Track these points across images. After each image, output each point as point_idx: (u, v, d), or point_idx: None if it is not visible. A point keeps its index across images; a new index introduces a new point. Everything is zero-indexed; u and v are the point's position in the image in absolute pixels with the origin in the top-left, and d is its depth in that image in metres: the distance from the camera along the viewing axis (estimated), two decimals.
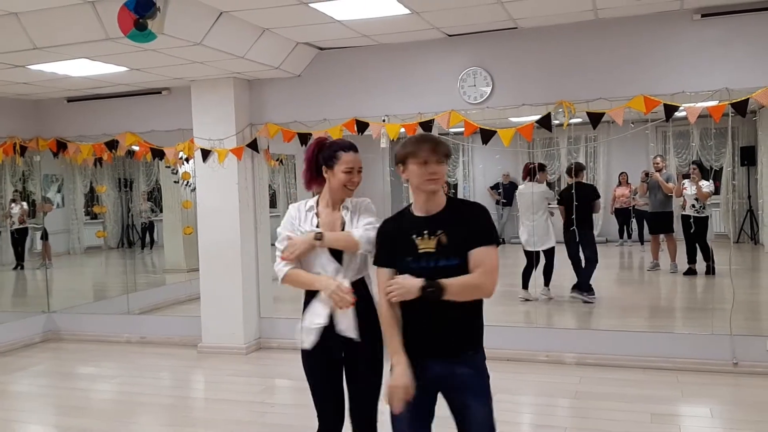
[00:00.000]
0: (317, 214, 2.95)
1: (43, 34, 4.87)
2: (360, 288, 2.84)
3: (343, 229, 2.87)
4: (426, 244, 2.54)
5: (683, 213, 9.18)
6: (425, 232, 2.55)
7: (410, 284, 2.47)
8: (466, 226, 2.54)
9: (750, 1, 5.11)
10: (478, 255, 2.50)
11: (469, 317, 2.58)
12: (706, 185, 8.96)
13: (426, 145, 2.52)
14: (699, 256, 8.99)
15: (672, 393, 4.99)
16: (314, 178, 2.98)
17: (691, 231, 8.63)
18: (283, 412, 5.01)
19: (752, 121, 10.48)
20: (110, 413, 5.11)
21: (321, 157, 2.92)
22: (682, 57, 5.37)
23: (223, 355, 6.53)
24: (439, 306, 2.49)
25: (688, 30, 5.35)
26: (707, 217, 9.11)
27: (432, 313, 2.52)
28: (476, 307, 2.60)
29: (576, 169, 7.87)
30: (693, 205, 8.95)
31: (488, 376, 2.63)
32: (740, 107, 5.17)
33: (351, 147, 2.91)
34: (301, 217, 2.96)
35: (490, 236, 2.54)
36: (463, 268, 2.50)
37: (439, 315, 2.52)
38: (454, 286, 2.45)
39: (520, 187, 8.27)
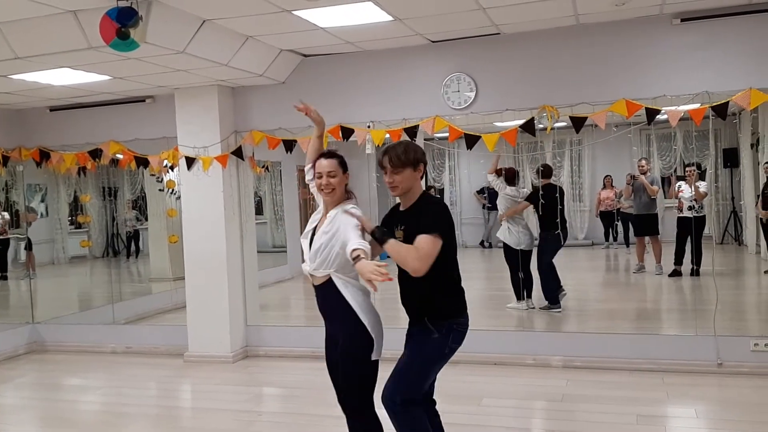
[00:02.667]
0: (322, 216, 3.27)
1: (25, 43, 4.84)
2: (329, 284, 3.15)
3: (315, 230, 3.22)
4: (399, 235, 3.08)
5: (680, 215, 9.23)
6: (398, 224, 3.12)
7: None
8: (418, 221, 3.00)
9: (729, 6, 5.18)
10: (417, 239, 2.94)
11: (428, 294, 3.05)
12: (704, 185, 9.06)
13: (385, 157, 3.05)
14: (685, 258, 9.06)
15: (657, 394, 5.03)
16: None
17: (690, 232, 8.67)
18: (270, 420, 4.99)
19: (734, 124, 10.61)
20: (96, 425, 5.07)
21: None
22: (663, 61, 5.42)
23: (209, 363, 6.50)
24: (410, 282, 3.01)
25: (668, 34, 5.41)
26: (705, 216, 9.21)
27: (406, 287, 3.10)
28: (435, 286, 3.04)
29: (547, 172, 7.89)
30: (691, 207, 9.01)
31: (434, 339, 3.04)
32: (721, 110, 5.23)
33: (326, 154, 3.23)
34: (314, 217, 3.33)
35: (431, 227, 2.94)
36: None
37: (409, 288, 3.09)
38: (391, 245, 2.96)
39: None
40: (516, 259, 7.54)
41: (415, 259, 2.88)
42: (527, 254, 7.72)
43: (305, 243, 3.25)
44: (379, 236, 2.99)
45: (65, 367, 6.83)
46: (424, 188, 3.22)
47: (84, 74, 5.67)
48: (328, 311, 3.23)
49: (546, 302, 7.59)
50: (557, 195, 7.27)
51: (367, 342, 3.11)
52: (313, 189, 3.31)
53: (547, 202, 7.32)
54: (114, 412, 5.33)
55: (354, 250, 2.89)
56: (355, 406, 3.21)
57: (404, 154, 3.02)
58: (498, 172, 7.99)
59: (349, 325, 3.12)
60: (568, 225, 7.98)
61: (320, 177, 3.17)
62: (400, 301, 3.23)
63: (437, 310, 3.08)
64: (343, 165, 3.22)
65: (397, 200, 3.30)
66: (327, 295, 3.18)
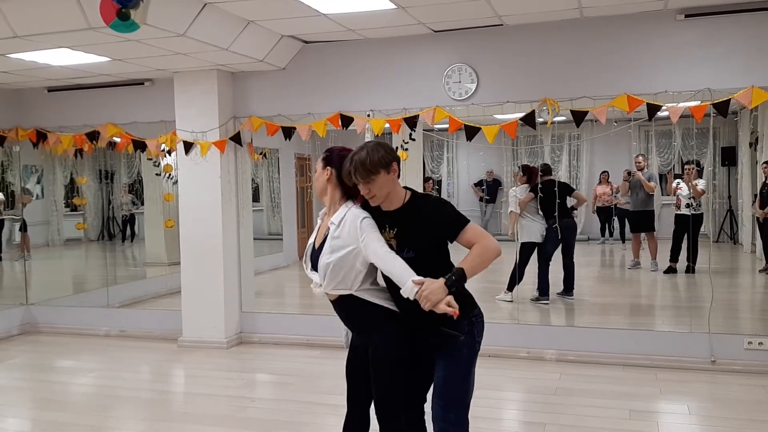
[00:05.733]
0: (322, 222, 2.96)
1: (24, 22, 4.79)
2: (350, 298, 2.82)
3: (324, 240, 2.82)
4: (386, 237, 2.77)
5: (678, 212, 9.25)
6: (386, 225, 2.79)
7: (436, 289, 2.56)
8: (421, 227, 2.74)
9: (733, 3, 5.15)
10: (464, 238, 2.72)
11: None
12: (702, 183, 9.06)
13: (350, 168, 2.69)
14: (681, 255, 9.07)
15: (650, 390, 5.04)
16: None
17: (687, 229, 8.69)
18: (263, 406, 4.99)
19: (734, 122, 10.59)
20: (89, 407, 5.06)
21: None
22: (666, 57, 5.40)
23: (203, 349, 6.49)
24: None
25: (671, 30, 5.39)
26: (702, 214, 9.22)
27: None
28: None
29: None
30: (689, 204, 9.01)
31: (462, 341, 2.75)
32: (722, 108, 5.21)
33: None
34: (317, 226, 3.00)
35: (461, 221, 2.73)
36: (419, 261, 2.69)
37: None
38: (468, 265, 2.65)
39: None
40: (529, 253, 7.72)
41: (490, 252, 2.68)
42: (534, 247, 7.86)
43: (306, 257, 2.92)
44: (456, 281, 2.61)
45: (58, 349, 6.82)
46: (404, 185, 2.88)
47: (83, 55, 5.63)
48: (357, 324, 2.89)
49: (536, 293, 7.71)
50: (555, 190, 7.31)
51: (399, 343, 2.80)
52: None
53: (547, 197, 7.41)
54: (107, 395, 5.32)
55: (415, 289, 2.58)
56: (389, 411, 2.85)
57: (368, 159, 2.65)
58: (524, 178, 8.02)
59: (382, 331, 2.80)
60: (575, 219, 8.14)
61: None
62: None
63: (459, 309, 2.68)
64: (327, 160, 2.85)
65: None
66: (350, 308, 2.84)
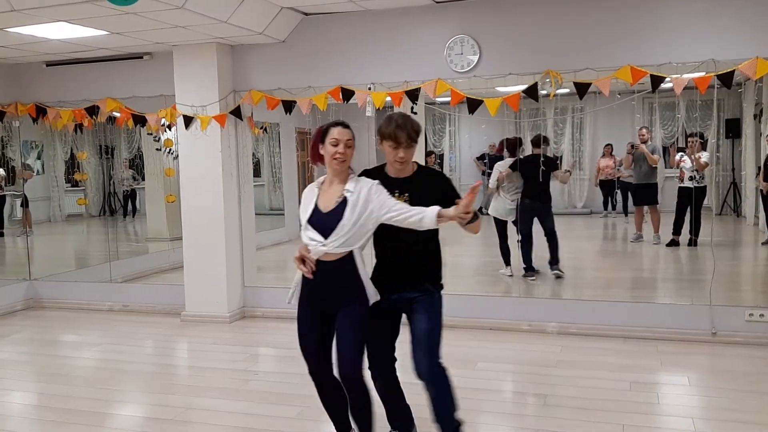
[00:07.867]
0: (320, 191, 3.18)
1: None
2: (345, 261, 3.09)
3: (343, 206, 3.05)
4: (399, 200, 3.09)
5: (681, 185, 9.22)
6: (397, 191, 3.12)
7: (469, 203, 2.86)
8: (431, 192, 3.08)
9: None
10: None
11: (430, 259, 3.23)
12: (705, 156, 9.01)
13: (401, 133, 3.01)
14: (684, 228, 9.05)
15: (651, 362, 5.06)
16: (316, 155, 3.18)
17: (690, 202, 8.66)
18: (266, 379, 5.02)
19: (738, 94, 10.49)
20: (93, 381, 5.10)
21: (321, 136, 3.15)
22: (670, 28, 5.33)
23: (206, 323, 6.53)
24: (411, 249, 3.14)
25: (676, 0, 5.30)
26: (706, 187, 9.20)
27: (408, 254, 3.16)
28: (435, 251, 3.24)
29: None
30: (692, 177, 8.98)
31: (438, 299, 3.20)
32: (726, 79, 5.16)
33: (341, 123, 3.12)
34: (309, 195, 3.20)
35: (457, 194, 3.07)
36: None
37: (411, 254, 3.16)
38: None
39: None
40: (503, 228, 7.68)
41: None
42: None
43: (305, 218, 3.15)
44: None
45: (62, 323, 6.86)
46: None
47: (81, 29, 5.57)
48: (338, 287, 3.13)
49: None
50: (539, 163, 7.33)
51: (366, 309, 3.14)
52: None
53: (529, 170, 7.42)
54: (110, 369, 5.37)
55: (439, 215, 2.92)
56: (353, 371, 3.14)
57: (414, 131, 3.04)
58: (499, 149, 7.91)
59: (356, 299, 3.12)
60: (566, 193, 8.06)
61: (336, 145, 3.05)
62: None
63: (434, 273, 3.25)
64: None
65: (369, 165, 3.32)
66: (340, 270, 3.09)
